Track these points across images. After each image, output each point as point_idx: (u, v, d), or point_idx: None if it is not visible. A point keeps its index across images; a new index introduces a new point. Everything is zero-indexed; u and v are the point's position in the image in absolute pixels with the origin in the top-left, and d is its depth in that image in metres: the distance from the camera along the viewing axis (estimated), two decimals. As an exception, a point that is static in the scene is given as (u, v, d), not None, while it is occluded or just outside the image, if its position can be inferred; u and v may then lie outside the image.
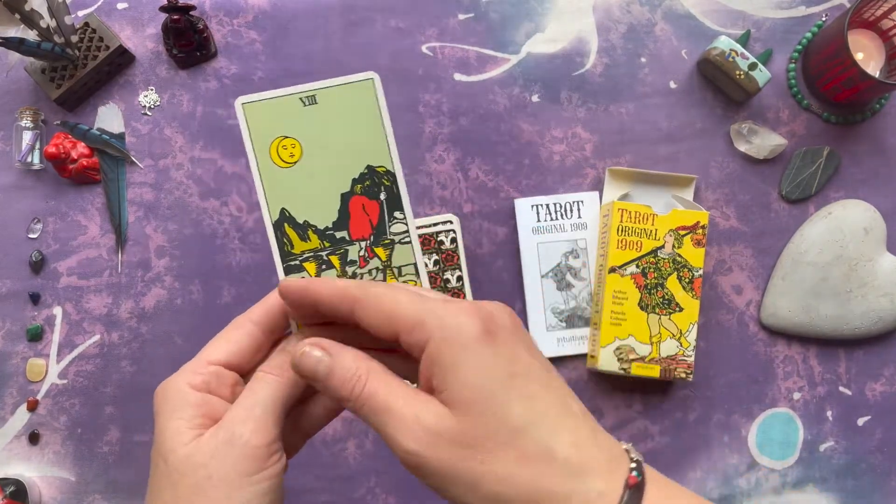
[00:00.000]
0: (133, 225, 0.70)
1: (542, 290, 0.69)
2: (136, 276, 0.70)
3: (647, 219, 0.66)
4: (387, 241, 0.40)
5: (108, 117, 0.71)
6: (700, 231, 0.66)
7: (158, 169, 0.71)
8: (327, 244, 0.39)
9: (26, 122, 0.69)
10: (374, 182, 0.39)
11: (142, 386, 0.69)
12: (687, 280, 0.66)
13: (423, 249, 0.67)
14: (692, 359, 0.65)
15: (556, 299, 0.69)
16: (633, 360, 0.65)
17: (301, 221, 0.39)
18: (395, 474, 0.69)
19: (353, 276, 0.40)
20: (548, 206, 0.70)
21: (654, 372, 0.65)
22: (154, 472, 0.35)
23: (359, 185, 0.39)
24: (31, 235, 0.70)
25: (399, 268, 0.40)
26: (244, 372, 0.38)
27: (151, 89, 0.71)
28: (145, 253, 0.70)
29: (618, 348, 0.65)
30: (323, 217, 0.39)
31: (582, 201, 0.70)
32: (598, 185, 0.71)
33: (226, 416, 0.35)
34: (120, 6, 0.72)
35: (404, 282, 0.40)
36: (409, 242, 0.40)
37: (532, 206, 0.70)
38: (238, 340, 0.38)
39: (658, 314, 0.66)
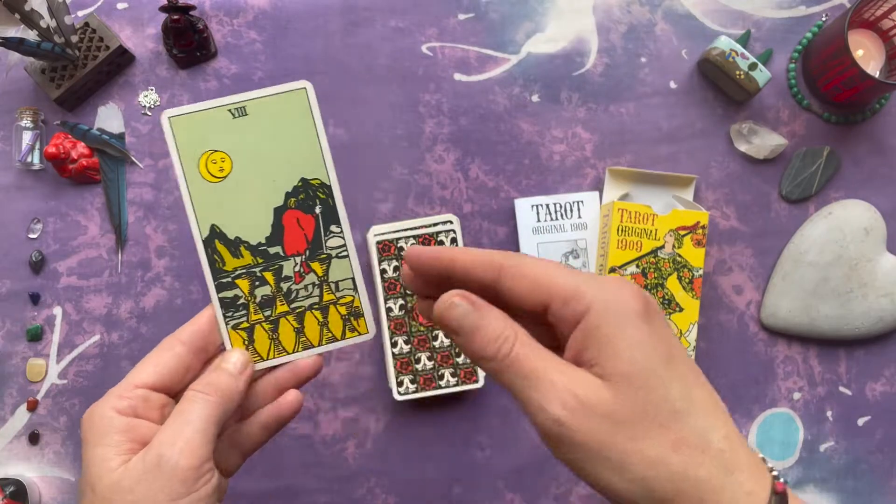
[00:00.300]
0: (133, 225, 0.70)
1: (542, 290, 0.69)
2: (136, 276, 0.70)
3: (647, 219, 0.66)
4: (323, 256, 0.39)
5: (108, 117, 0.71)
6: (700, 231, 0.66)
7: (158, 169, 0.71)
8: (260, 260, 0.38)
9: (26, 122, 0.69)
10: (308, 195, 0.38)
11: (142, 386, 0.69)
12: (687, 280, 0.66)
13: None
14: (692, 359, 0.65)
15: (556, 299, 0.69)
16: (633, 360, 0.65)
17: (232, 237, 0.38)
18: (395, 474, 0.69)
19: (289, 292, 0.39)
20: (548, 206, 0.70)
21: (654, 372, 0.65)
22: (81, 502, 0.34)
23: (293, 199, 0.38)
24: (31, 235, 0.70)
25: (336, 283, 0.39)
26: (174, 393, 0.37)
27: (151, 89, 0.71)
28: (145, 253, 0.70)
29: (618, 348, 0.65)
30: (255, 232, 0.38)
31: (582, 201, 0.70)
32: (598, 185, 0.71)
33: (154, 439, 0.34)
34: (120, 6, 0.72)
35: (341, 297, 0.39)
36: (347, 256, 0.39)
37: (532, 206, 0.70)
38: (166, 362, 0.37)
39: (658, 314, 0.66)
